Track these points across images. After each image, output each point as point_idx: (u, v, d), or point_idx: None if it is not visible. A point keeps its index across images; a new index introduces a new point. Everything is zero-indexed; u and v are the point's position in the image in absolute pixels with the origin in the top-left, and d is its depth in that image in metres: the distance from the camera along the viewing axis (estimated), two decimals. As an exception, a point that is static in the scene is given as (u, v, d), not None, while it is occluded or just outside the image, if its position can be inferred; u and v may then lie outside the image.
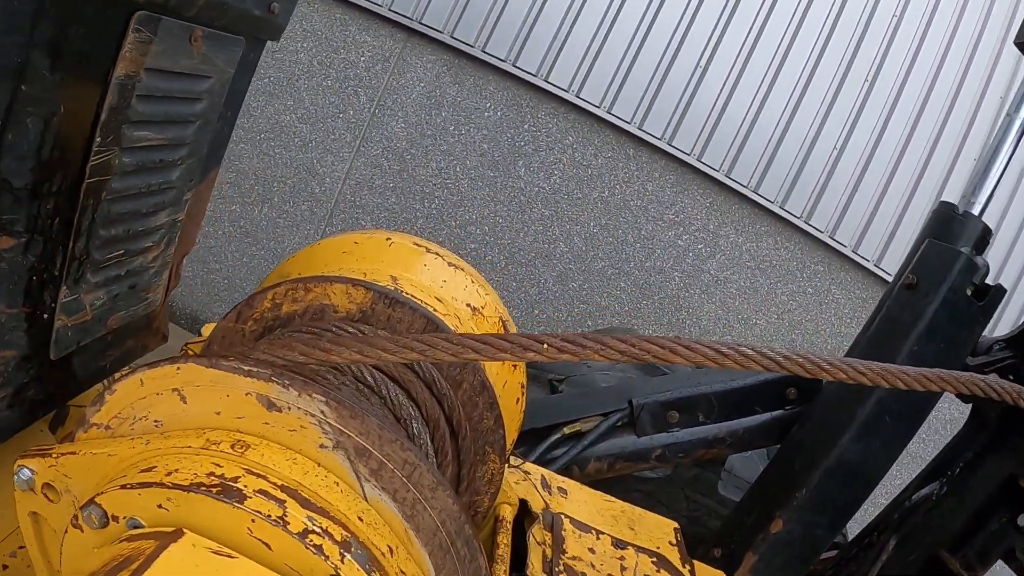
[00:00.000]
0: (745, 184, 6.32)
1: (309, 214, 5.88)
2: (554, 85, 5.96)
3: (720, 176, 6.34)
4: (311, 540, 0.86)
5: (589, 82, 6.03)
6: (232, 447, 0.94)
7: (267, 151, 5.85)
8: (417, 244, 1.73)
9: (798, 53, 6.27)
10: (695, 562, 1.86)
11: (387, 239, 1.72)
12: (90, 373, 1.55)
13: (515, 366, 1.70)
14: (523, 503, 1.75)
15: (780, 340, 6.35)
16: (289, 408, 0.95)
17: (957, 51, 6.32)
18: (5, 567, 1.39)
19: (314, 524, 0.87)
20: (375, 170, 5.87)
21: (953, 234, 2.23)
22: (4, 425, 1.30)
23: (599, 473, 2.44)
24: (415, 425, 1.33)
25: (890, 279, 6.20)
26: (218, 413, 0.98)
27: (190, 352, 1.78)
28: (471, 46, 5.66)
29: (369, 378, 1.29)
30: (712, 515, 2.83)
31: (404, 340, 0.88)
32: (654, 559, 1.76)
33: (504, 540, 1.54)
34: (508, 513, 1.65)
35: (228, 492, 0.87)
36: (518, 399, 1.80)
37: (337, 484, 0.94)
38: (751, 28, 6.23)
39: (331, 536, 0.88)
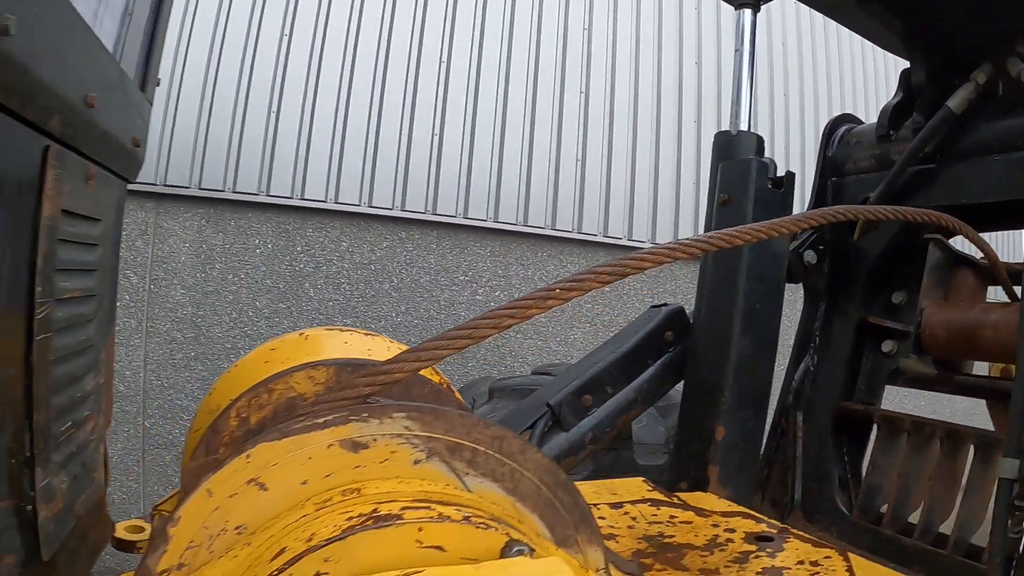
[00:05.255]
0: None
1: (121, 414, 5.48)
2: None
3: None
4: (476, 521, 0.86)
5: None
6: (343, 494, 0.92)
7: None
8: (328, 329, 1.78)
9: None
10: (677, 494, 2.03)
11: (301, 335, 1.74)
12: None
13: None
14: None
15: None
16: (375, 440, 0.95)
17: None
18: None
19: (464, 512, 0.88)
20: (171, 346, 5.59)
21: (737, 150, 2.66)
22: None
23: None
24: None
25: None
26: (304, 483, 0.94)
27: (164, 514, 1.66)
28: (220, 190, 5.58)
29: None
30: (646, 483, 3.05)
31: (473, 322, 1.01)
32: (648, 503, 1.92)
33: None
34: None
35: (382, 519, 0.85)
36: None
37: (447, 486, 0.97)
38: None
39: (481, 517, 0.89)
